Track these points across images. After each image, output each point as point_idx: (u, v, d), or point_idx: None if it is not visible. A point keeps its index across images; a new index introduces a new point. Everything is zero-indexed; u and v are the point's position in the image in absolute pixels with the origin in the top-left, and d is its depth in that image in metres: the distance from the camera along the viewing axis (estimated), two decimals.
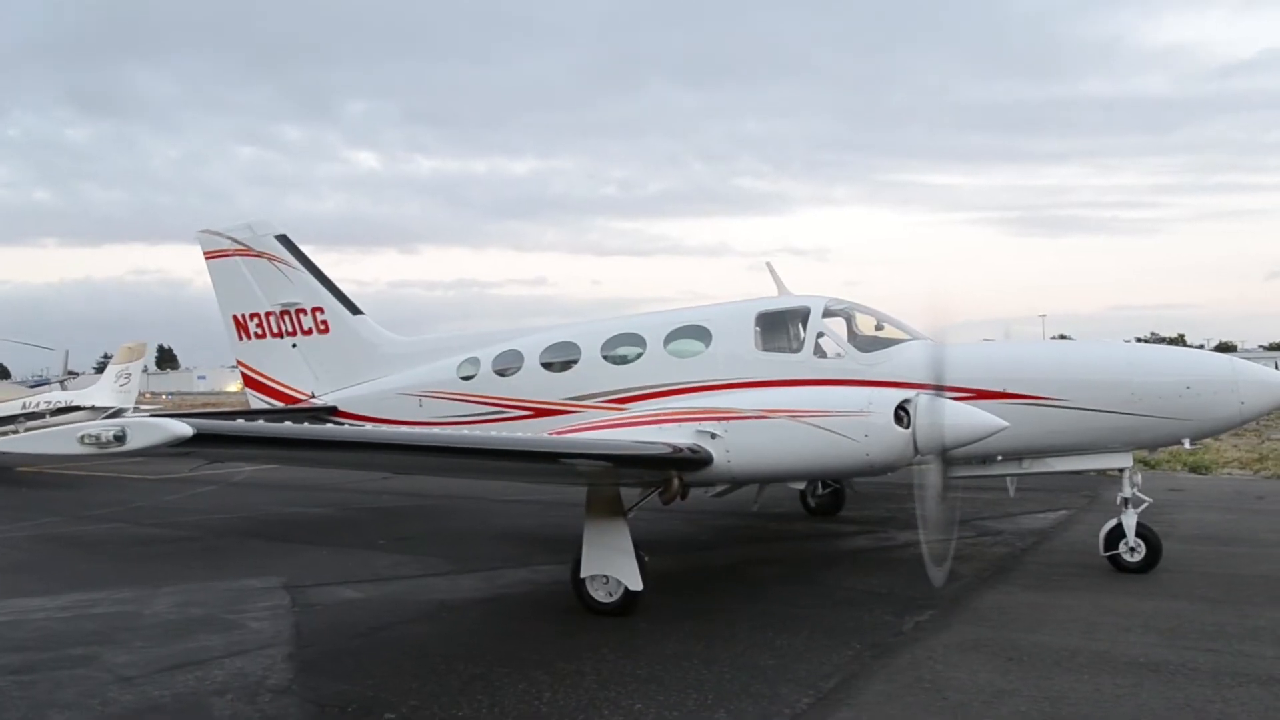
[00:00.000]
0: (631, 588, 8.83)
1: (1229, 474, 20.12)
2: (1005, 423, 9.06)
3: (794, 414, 8.46)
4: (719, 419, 8.76)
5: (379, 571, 12.34)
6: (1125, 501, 10.98)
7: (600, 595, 9.18)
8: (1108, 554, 11.04)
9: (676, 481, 8.81)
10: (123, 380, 30.87)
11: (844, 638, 8.63)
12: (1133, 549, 10.92)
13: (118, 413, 28.81)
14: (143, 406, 33.07)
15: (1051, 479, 11.36)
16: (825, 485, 15.37)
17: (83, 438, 5.77)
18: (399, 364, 15.61)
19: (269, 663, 8.35)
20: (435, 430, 12.13)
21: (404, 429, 13.30)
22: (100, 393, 30.48)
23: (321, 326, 16.60)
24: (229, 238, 17.28)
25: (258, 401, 17.03)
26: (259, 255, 17.06)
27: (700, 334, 12.45)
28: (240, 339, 17.31)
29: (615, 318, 13.67)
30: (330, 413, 15.82)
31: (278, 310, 16.91)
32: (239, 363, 17.49)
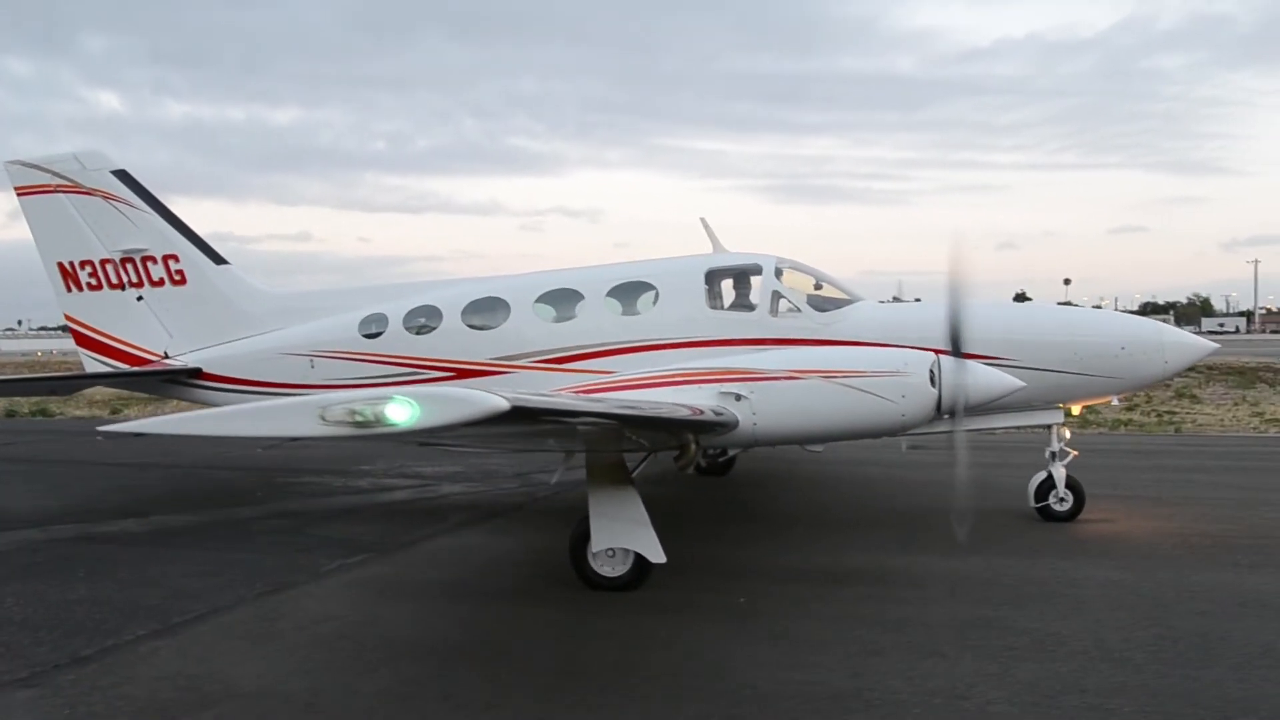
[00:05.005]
0: (652, 559, 8.25)
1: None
2: (1022, 383, 9.25)
3: (827, 374, 8.18)
4: (744, 379, 8.33)
5: None
6: (1053, 455, 11.60)
7: (606, 570, 8.55)
8: (1038, 505, 11.63)
9: (694, 446, 8.32)
10: None
11: (257, 578, 9.33)
12: (1062, 499, 11.57)
13: None
14: None
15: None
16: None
17: (325, 415, 4.51)
18: (276, 321, 13.97)
19: None
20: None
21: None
22: None
23: (176, 277, 14.53)
24: (49, 170, 14.71)
25: (95, 364, 14.73)
26: (90, 193, 14.66)
27: (645, 290, 11.93)
28: (69, 290, 14.85)
29: (547, 271, 12.84)
30: (193, 375, 13.95)
31: (118, 258, 14.63)
32: (67, 318, 15.02)
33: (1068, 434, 11.69)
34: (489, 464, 16.97)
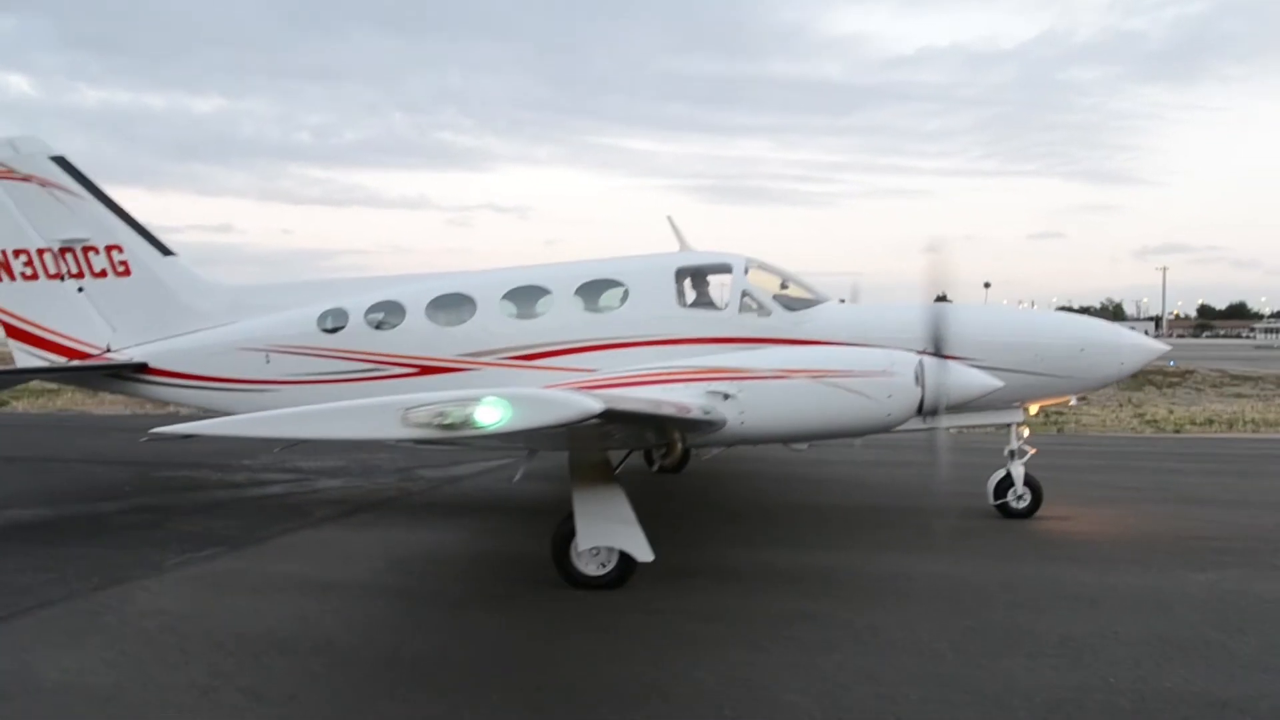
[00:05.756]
0: (640, 558, 8.17)
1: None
2: (1000, 382, 9.41)
3: (816, 374, 8.21)
4: (731, 378, 8.31)
5: None
6: (1012, 454, 11.87)
7: (590, 569, 8.45)
8: (996, 502, 11.89)
9: (680, 445, 8.28)
10: None
11: (95, 573, 9.25)
12: (1020, 496, 11.85)
13: None
14: None
15: None
16: None
17: (409, 416, 4.24)
18: (227, 315, 13.52)
19: None
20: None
21: None
22: None
23: (120, 268, 13.95)
24: None
25: (28, 358, 14.04)
26: (25, 179, 13.99)
27: (614, 288, 11.85)
28: (1, 280, 14.15)
29: (513, 268, 12.64)
30: (139, 370, 13.41)
31: (56, 247, 13.98)
32: None
33: (1026, 432, 11.97)
34: (373, 459, 16.91)
